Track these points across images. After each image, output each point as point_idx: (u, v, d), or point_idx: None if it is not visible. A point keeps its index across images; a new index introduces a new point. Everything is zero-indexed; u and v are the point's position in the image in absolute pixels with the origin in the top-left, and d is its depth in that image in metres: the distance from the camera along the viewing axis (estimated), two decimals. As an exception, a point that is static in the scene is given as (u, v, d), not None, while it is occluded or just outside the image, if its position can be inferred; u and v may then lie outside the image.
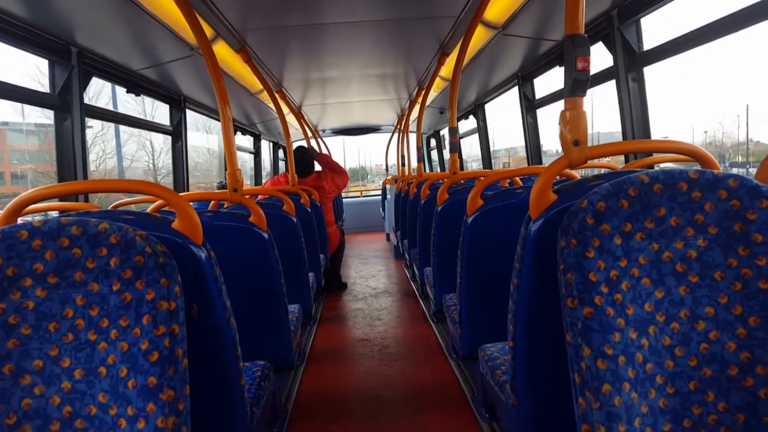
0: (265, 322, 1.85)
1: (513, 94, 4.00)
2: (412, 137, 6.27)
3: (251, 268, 1.76)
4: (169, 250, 0.91)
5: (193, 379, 0.88)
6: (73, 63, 2.26)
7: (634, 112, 2.40)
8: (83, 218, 0.89)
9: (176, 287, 0.87)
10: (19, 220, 1.07)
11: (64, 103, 2.27)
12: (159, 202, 1.80)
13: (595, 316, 0.80)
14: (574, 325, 0.80)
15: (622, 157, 2.60)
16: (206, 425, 0.97)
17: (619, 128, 2.50)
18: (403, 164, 6.12)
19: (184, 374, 0.85)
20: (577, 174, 1.86)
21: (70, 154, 2.28)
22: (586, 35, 1.04)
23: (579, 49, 1.02)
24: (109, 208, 1.80)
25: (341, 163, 4.24)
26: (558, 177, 1.24)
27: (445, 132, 7.61)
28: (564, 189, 1.05)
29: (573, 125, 1.03)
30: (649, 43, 2.36)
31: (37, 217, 1.66)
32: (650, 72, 2.39)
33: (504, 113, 5.14)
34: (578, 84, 1.03)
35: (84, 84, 2.34)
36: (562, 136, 1.05)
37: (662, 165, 2.02)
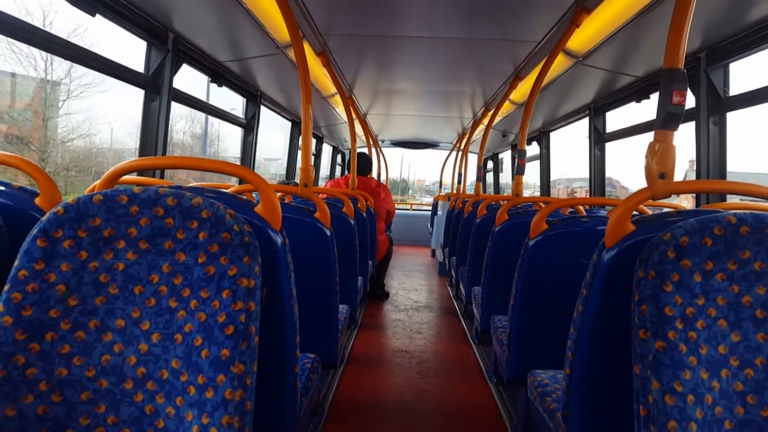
0: (316, 317, 1.89)
1: (577, 126, 3.95)
2: (471, 157, 6.26)
3: (311, 263, 1.81)
4: None
5: None
6: (169, 47, 2.43)
7: (712, 155, 2.31)
8: (179, 191, 0.94)
9: (256, 267, 0.90)
10: None
11: (155, 84, 2.43)
12: (240, 186, 1.90)
13: (667, 350, 0.79)
14: (645, 358, 0.80)
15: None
16: (260, 406, 1.01)
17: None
18: (459, 182, 6.12)
19: (254, 351, 0.88)
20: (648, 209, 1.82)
21: (153, 132, 2.44)
22: (685, 70, 1.04)
23: (677, 83, 1.02)
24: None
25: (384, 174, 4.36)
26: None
27: (503, 155, 7.55)
28: (643, 220, 1.04)
29: (661, 158, 1.03)
30: (734, 88, 2.29)
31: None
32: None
33: (560, 144, 5.06)
34: (671, 117, 1.03)
35: (175, 69, 2.50)
36: (647, 168, 1.04)
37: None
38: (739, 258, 0.83)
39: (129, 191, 0.92)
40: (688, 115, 2.41)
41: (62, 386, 0.86)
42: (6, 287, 0.85)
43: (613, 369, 1.02)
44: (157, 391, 0.88)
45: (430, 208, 9.53)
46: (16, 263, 0.87)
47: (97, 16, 1.94)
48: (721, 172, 2.29)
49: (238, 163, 3.80)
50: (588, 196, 3.95)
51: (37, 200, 1.15)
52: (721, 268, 0.83)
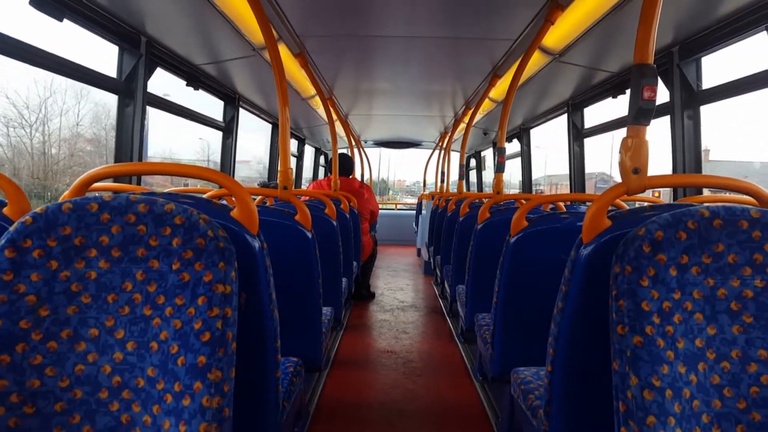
0: (299, 320, 1.87)
1: (555, 122, 3.99)
2: (453, 155, 6.28)
3: (292, 266, 1.79)
4: None
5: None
6: (141, 52, 2.38)
7: (687, 149, 2.35)
8: (151, 197, 0.92)
9: (232, 272, 0.89)
10: None
11: (129, 89, 2.39)
12: (216, 191, 1.87)
13: (645, 345, 0.79)
14: (623, 353, 0.80)
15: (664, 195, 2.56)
16: (240, 412, 0.99)
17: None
18: (442, 181, 6.15)
19: (231, 357, 0.87)
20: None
21: (128, 138, 2.39)
22: (655, 66, 1.05)
23: (647, 78, 1.03)
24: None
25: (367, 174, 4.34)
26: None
27: (485, 153, 7.59)
28: (619, 216, 1.04)
29: (634, 153, 1.03)
30: (706, 82, 2.33)
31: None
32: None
33: (538, 140, 5.11)
34: (642, 113, 1.03)
35: (149, 73, 2.45)
36: (621, 164, 1.05)
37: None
38: (713, 251, 0.84)
39: (99, 199, 0.90)
40: (663, 110, 2.45)
41: (35, 398, 0.84)
42: None
43: (594, 365, 1.02)
44: (133, 400, 0.87)
45: (414, 207, 9.55)
46: None
47: (65, 21, 1.89)
48: (697, 165, 2.33)
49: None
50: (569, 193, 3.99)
51: (5, 210, 1.11)
52: (696, 261, 0.83)
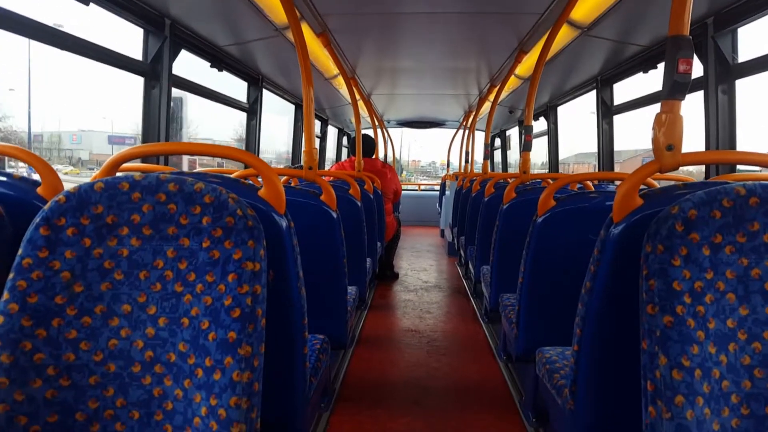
0: (325, 299, 1.90)
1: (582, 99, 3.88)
2: (478, 135, 6.19)
3: (318, 245, 1.81)
4: None
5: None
6: (166, 34, 2.40)
7: (721, 125, 2.26)
8: (181, 176, 0.93)
9: (261, 250, 0.90)
10: None
11: (154, 71, 2.42)
12: (243, 171, 1.89)
13: (675, 325, 0.78)
14: (653, 333, 0.79)
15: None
16: (269, 387, 1.02)
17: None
18: (467, 161, 6.07)
19: (261, 333, 0.89)
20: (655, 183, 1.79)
21: (155, 120, 2.44)
22: (690, 37, 1.00)
23: (682, 51, 0.99)
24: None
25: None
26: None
27: (511, 132, 7.46)
28: (651, 194, 1.02)
29: (668, 129, 1.00)
30: (742, 54, 2.22)
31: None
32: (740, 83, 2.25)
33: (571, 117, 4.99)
34: (678, 87, 1.00)
35: (174, 55, 2.48)
36: (654, 140, 1.01)
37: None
38: (748, 230, 0.81)
39: (130, 178, 0.92)
40: (696, 84, 2.36)
41: (70, 371, 0.87)
42: (11, 275, 0.86)
43: (621, 345, 1.01)
44: (164, 374, 0.89)
45: (434, 187, 9.48)
46: (20, 252, 0.87)
47: (91, 4, 1.92)
48: (731, 142, 2.24)
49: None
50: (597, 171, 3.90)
51: (38, 190, 1.15)
52: (729, 240, 0.81)
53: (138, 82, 2.41)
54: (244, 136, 3.86)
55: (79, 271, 0.89)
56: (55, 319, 0.87)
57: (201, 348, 0.87)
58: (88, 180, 0.98)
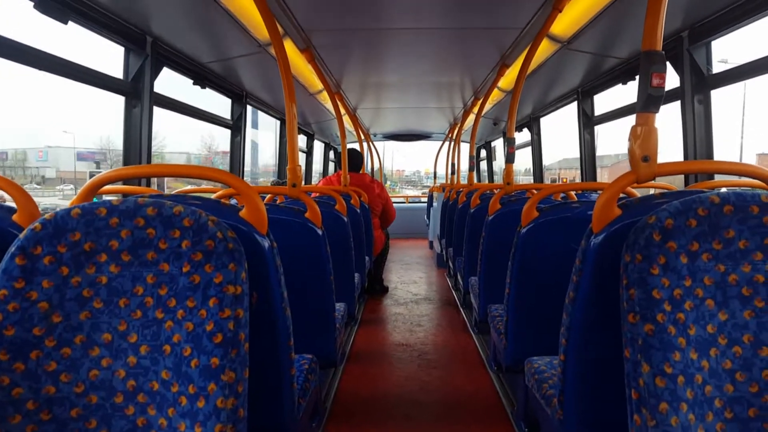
0: (312, 317, 1.89)
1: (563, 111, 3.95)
2: (463, 146, 6.25)
3: (304, 263, 1.80)
4: None
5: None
6: (147, 52, 2.38)
7: (698, 134, 2.32)
8: (159, 200, 0.92)
9: (243, 273, 0.89)
10: None
11: (136, 90, 2.39)
12: (225, 190, 1.89)
13: (656, 333, 0.79)
14: (635, 341, 0.80)
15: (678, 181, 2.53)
16: (256, 412, 1.00)
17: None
18: (453, 173, 6.13)
19: (245, 357, 0.88)
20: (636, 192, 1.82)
21: (137, 140, 2.41)
22: (663, 52, 1.04)
23: (655, 65, 1.02)
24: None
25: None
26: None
27: (496, 143, 7.54)
28: (629, 204, 1.04)
29: (644, 141, 1.03)
30: (715, 66, 2.29)
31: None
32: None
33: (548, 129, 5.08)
34: (652, 100, 1.03)
35: (155, 73, 2.46)
36: (630, 152, 1.04)
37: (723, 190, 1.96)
38: (724, 237, 0.84)
39: (107, 203, 0.90)
40: (673, 95, 2.42)
41: (51, 404, 0.85)
42: None
43: (606, 354, 1.02)
44: (148, 403, 0.88)
45: (420, 199, 9.52)
46: None
47: (70, 23, 1.91)
48: (708, 151, 2.30)
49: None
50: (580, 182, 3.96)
51: (14, 217, 1.12)
52: (706, 248, 0.83)
53: (102, 94, 2.38)
54: (212, 147, 3.83)
55: (57, 300, 0.87)
56: (33, 351, 0.85)
57: (184, 375, 0.86)
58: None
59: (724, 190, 1.91)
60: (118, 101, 2.40)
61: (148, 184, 2.46)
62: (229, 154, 3.81)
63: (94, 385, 0.87)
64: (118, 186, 2.22)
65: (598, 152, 3.91)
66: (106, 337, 0.88)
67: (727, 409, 0.81)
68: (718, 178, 2.22)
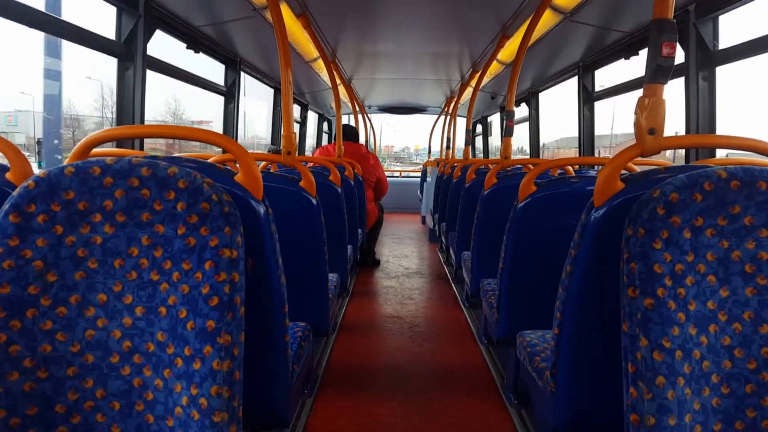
0: (305, 286, 1.88)
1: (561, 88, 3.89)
2: (460, 121, 6.19)
3: (297, 232, 1.78)
4: None
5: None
6: (140, 13, 2.31)
7: (701, 111, 2.29)
8: (154, 161, 0.90)
9: (238, 237, 0.88)
10: None
11: (129, 52, 2.33)
12: (220, 156, 1.84)
13: (656, 308, 0.78)
14: (633, 315, 0.79)
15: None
16: (251, 375, 1.00)
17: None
18: (448, 147, 6.07)
19: (240, 321, 0.87)
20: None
21: (129, 102, 2.36)
22: (674, 20, 1.00)
23: (666, 34, 0.98)
24: None
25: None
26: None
27: (492, 118, 7.47)
28: (632, 178, 1.02)
29: (651, 113, 1.00)
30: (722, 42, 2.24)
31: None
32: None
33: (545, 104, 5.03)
34: (661, 70, 0.99)
35: (148, 35, 2.39)
36: (636, 124, 1.01)
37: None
38: (729, 213, 0.82)
39: (101, 162, 0.87)
40: (678, 71, 2.38)
41: (47, 362, 0.85)
42: None
43: (601, 327, 1.02)
44: (144, 364, 0.87)
45: (419, 174, 9.48)
46: None
47: None
48: (711, 127, 2.28)
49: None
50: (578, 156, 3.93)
51: (7, 175, 1.09)
52: (710, 223, 0.81)
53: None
54: (176, 113, 3.76)
55: (52, 259, 0.86)
56: (29, 309, 0.84)
57: (179, 337, 0.85)
58: None
59: None
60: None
61: (141, 149, 2.40)
62: (202, 124, 3.74)
63: (89, 345, 0.87)
64: (112, 149, 2.17)
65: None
66: (101, 297, 0.88)
67: (724, 385, 0.81)
68: (720, 156, 2.21)
